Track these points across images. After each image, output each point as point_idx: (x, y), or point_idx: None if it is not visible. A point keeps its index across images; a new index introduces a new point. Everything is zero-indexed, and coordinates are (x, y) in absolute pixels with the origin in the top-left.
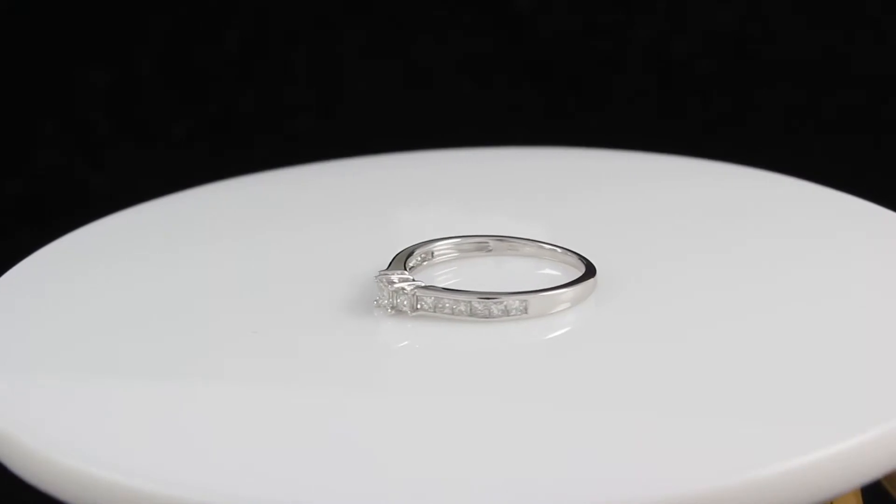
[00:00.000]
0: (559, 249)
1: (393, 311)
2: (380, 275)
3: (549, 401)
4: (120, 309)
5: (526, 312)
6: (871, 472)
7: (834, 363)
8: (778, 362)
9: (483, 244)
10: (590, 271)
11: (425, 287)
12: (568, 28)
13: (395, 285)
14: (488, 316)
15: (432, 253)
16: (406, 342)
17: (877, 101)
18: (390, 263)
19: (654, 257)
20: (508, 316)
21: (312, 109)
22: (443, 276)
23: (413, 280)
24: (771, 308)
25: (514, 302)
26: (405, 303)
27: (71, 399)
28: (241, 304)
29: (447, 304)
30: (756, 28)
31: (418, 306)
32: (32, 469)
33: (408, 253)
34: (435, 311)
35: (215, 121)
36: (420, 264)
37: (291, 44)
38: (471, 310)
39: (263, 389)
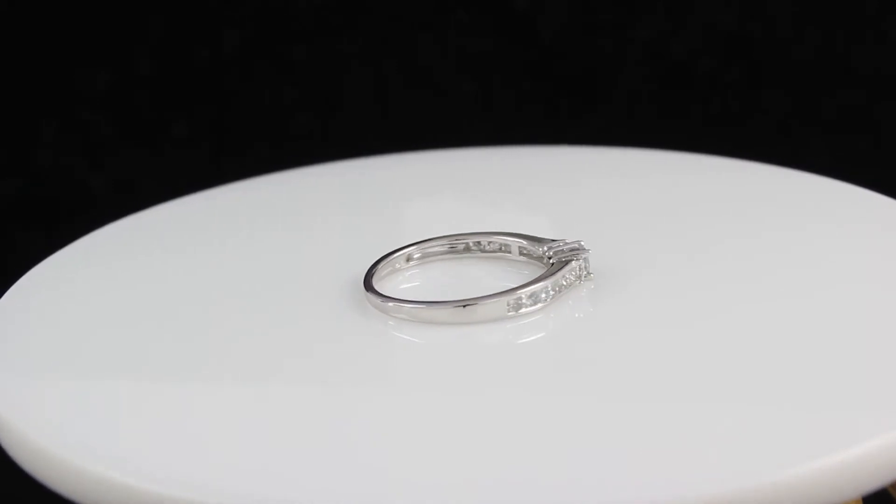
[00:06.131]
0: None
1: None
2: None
3: (552, 398)
4: (129, 311)
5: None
6: (876, 480)
7: (841, 365)
8: (783, 363)
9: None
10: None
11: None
12: (568, 28)
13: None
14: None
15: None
16: (408, 341)
17: (877, 101)
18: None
19: (655, 250)
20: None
21: (312, 109)
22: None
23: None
24: (776, 304)
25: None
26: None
27: (82, 398)
28: (249, 306)
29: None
30: (756, 27)
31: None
32: (43, 467)
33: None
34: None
35: (215, 120)
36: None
37: (291, 44)
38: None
39: (267, 390)
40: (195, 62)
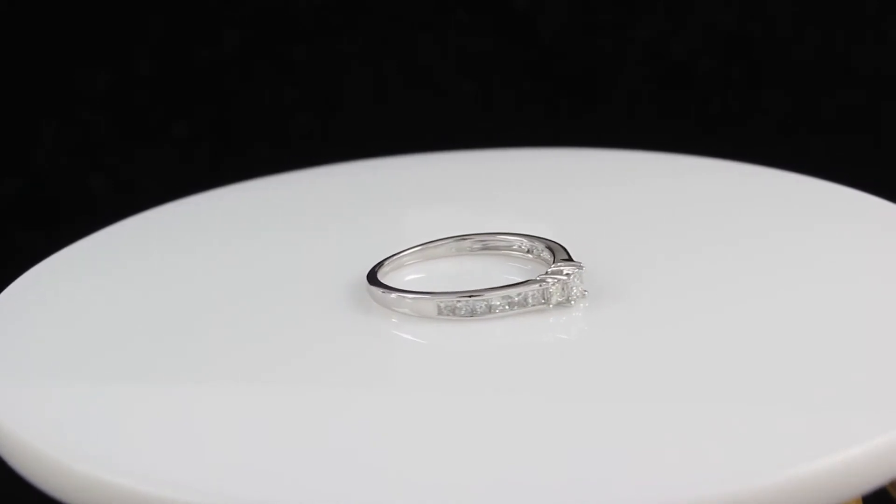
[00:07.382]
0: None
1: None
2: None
3: (552, 398)
4: (129, 311)
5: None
6: (876, 480)
7: (841, 365)
8: (783, 363)
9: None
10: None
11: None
12: (568, 28)
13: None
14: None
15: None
16: (409, 340)
17: (877, 101)
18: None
19: (654, 250)
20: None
21: (312, 109)
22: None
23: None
24: (775, 305)
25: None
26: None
27: (80, 400)
28: (250, 306)
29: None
30: (756, 27)
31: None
32: (40, 470)
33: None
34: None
35: (215, 120)
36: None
37: (291, 44)
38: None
39: (267, 390)
40: (195, 62)
